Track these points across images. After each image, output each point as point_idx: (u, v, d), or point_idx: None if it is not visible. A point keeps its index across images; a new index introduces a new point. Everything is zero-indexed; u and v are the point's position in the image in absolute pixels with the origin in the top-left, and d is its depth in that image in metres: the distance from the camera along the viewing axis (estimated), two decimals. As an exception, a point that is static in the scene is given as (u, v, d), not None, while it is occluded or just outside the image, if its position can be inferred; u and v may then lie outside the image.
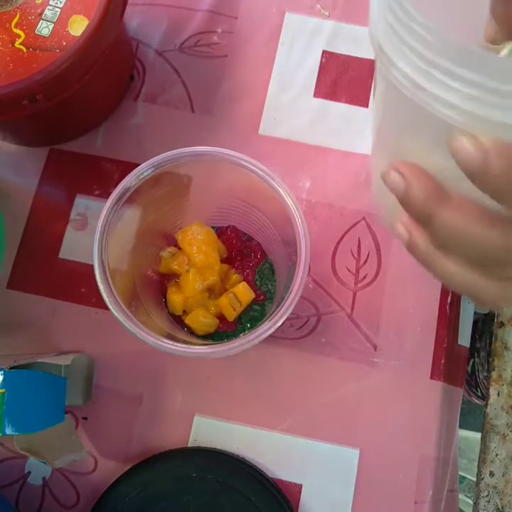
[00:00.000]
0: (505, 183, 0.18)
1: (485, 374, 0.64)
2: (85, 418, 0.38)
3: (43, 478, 0.37)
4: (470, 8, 0.23)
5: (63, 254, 0.41)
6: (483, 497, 0.37)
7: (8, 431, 0.30)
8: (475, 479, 0.38)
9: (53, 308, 0.40)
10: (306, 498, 0.37)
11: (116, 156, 0.42)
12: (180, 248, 0.37)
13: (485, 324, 0.56)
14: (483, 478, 0.38)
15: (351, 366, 0.38)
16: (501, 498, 0.37)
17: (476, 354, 0.58)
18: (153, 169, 0.32)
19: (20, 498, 0.37)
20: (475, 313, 0.42)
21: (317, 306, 0.39)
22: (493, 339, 0.40)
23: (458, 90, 0.17)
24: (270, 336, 0.29)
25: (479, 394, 0.68)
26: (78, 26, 0.34)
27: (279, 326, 0.29)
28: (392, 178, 0.21)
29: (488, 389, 0.65)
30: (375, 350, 0.38)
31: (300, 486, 0.37)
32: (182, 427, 0.38)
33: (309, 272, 0.34)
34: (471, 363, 0.60)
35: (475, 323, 0.42)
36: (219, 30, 0.45)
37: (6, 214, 0.40)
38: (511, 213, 0.19)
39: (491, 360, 0.40)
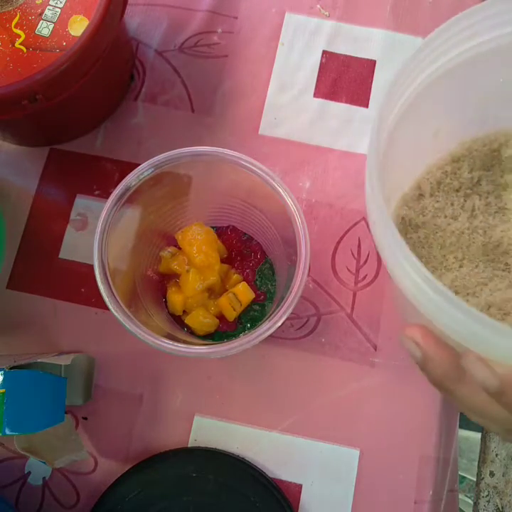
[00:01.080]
0: None
1: None
2: (85, 418, 0.38)
3: (43, 478, 0.37)
4: None
5: (63, 254, 0.41)
6: (483, 497, 0.37)
7: (8, 431, 0.30)
8: (475, 479, 0.38)
9: (53, 308, 0.40)
10: (306, 498, 0.37)
11: (116, 156, 0.42)
12: (180, 248, 0.37)
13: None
14: (483, 478, 0.38)
15: (351, 366, 0.38)
16: (501, 498, 0.37)
17: None
18: (153, 169, 0.32)
19: (20, 498, 0.37)
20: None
21: (317, 306, 0.39)
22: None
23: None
24: (270, 335, 0.29)
25: None
26: (78, 26, 0.34)
27: (279, 326, 0.29)
28: (409, 345, 0.21)
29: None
30: (375, 350, 0.38)
31: (300, 486, 0.37)
32: (182, 427, 0.38)
33: (309, 271, 0.34)
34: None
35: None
36: (219, 30, 0.45)
37: (6, 214, 0.40)
38: None
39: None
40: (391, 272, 0.21)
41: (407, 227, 0.28)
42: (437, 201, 0.28)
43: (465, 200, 0.28)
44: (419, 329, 0.21)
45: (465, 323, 0.18)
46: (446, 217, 0.28)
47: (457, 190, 0.28)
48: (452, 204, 0.28)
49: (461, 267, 0.27)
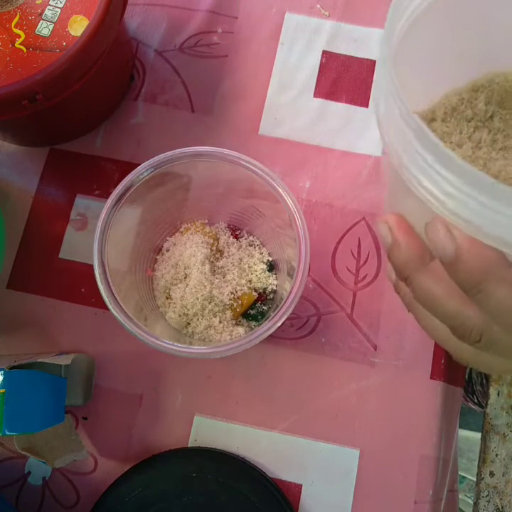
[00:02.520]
0: (471, 277, 0.19)
1: (479, 387, 0.64)
2: (85, 418, 0.38)
3: (43, 478, 0.37)
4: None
5: (63, 254, 0.41)
6: (483, 497, 0.37)
7: (8, 431, 0.30)
8: (475, 479, 0.38)
9: (53, 308, 0.40)
10: (306, 498, 0.37)
11: (116, 156, 0.42)
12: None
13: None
14: (483, 478, 0.38)
15: (351, 366, 0.38)
16: (501, 498, 0.37)
17: None
18: (153, 169, 0.32)
19: (20, 498, 0.37)
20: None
21: (317, 306, 0.39)
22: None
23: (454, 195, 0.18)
24: (270, 335, 0.29)
25: (476, 401, 0.68)
26: (78, 26, 0.34)
27: (279, 326, 0.29)
28: (381, 229, 0.23)
29: (484, 398, 0.65)
30: (375, 350, 0.38)
31: (300, 486, 0.37)
32: (182, 427, 0.38)
33: (309, 272, 0.34)
34: (468, 371, 0.60)
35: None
36: (219, 30, 0.45)
37: (6, 214, 0.40)
38: (477, 302, 0.20)
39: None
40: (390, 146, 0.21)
41: None
42: (447, 126, 0.28)
43: (474, 131, 0.28)
44: (395, 217, 0.22)
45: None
46: (452, 143, 0.28)
47: (469, 120, 0.28)
48: (461, 132, 0.28)
49: None
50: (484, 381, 0.62)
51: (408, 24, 0.23)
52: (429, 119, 0.29)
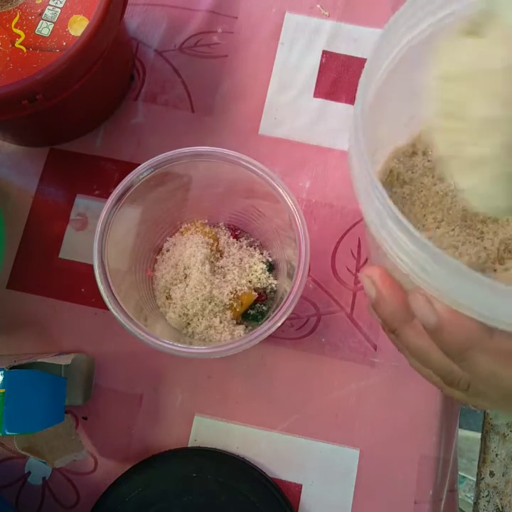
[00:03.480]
0: (454, 346, 0.20)
1: None
2: (85, 418, 0.38)
3: (43, 478, 0.37)
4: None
5: (63, 254, 0.41)
6: (483, 497, 0.37)
7: (8, 431, 0.30)
8: (475, 479, 0.38)
9: (53, 308, 0.40)
10: (306, 498, 0.37)
11: (116, 156, 0.42)
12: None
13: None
14: (483, 478, 0.38)
15: (351, 366, 0.38)
16: (501, 498, 0.37)
17: None
18: (153, 169, 0.32)
19: (20, 498, 0.37)
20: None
21: (317, 306, 0.39)
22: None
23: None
24: (270, 335, 0.29)
25: None
26: (78, 26, 0.34)
27: (279, 326, 0.29)
28: (365, 283, 0.23)
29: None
30: (375, 350, 0.38)
31: (300, 486, 0.37)
32: (182, 427, 0.38)
33: (309, 272, 0.34)
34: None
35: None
36: (219, 30, 0.45)
37: (6, 214, 0.40)
38: (462, 368, 0.21)
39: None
40: (366, 216, 0.22)
41: (394, 180, 0.28)
42: (428, 161, 0.28)
43: None
44: (379, 270, 0.23)
45: (420, 257, 0.18)
46: (433, 177, 0.28)
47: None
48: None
49: (438, 227, 0.27)
50: None
51: (386, 74, 0.24)
52: (410, 153, 0.29)
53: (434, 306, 0.19)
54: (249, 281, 0.37)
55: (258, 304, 0.37)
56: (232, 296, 0.36)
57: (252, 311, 0.37)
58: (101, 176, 0.42)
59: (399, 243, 0.19)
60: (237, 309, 0.36)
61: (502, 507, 0.37)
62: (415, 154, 0.29)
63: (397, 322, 0.23)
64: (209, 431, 0.38)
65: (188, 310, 0.35)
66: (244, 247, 0.38)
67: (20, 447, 0.33)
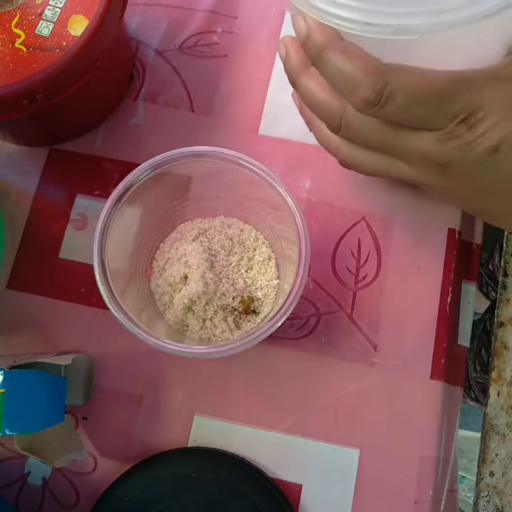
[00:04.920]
0: (315, 48, 0.27)
1: (474, 374, 0.64)
2: (85, 418, 0.38)
3: (43, 478, 0.37)
4: None
5: (63, 254, 0.41)
6: (483, 497, 0.37)
7: (8, 431, 0.30)
8: (475, 479, 0.38)
9: (53, 308, 0.40)
10: (306, 498, 0.37)
11: (116, 156, 0.42)
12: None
13: (474, 325, 0.56)
14: (483, 478, 0.38)
15: (351, 366, 0.38)
16: (501, 498, 0.37)
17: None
18: (153, 169, 0.32)
19: (20, 498, 0.37)
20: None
21: (317, 306, 0.39)
22: (492, 339, 0.40)
23: None
24: (270, 335, 0.29)
25: (473, 395, 0.68)
26: (78, 26, 0.34)
27: (279, 326, 0.29)
28: (280, 47, 0.32)
29: (481, 390, 0.65)
30: (375, 350, 0.38)
31: (300, 486, 0.37)
32: (182, 427, 0.38)
33: (309, 272, 0.34)
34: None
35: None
36: (219, 30, 0.45)
37: (6, 214, 0.40)
38: (321, 72, 0.28)
39: (490, 359, 0.40)
40: None
41: None
42: None
43: None
44: (290, 38, 0.31)
45: None
46: None
47: None
48: None
49: None
50: (482, 374, 0.62)
51: None
52: None
53: (306, 21, 0.27)
54: (250, 281, 0.37)
55: (258, 304, 0.37)
56: (232, 296, 0.36)
57: (252, 311, 0.37)
58: (101, 176, 0.42)
59: None
60: (238, 309, 0.36)
61: (502, 507, 0.37)
62: None
63: (296, 72, 0.30)
64: (209, 431, 0.38)
65: (188, 310, 0.35)
66: (244, 246, 0.38)
67: (20, 447, 0.33)
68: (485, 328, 0.62)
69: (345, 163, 0.32)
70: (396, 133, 0.27)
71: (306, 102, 0.31)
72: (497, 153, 0.25)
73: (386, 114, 0.26)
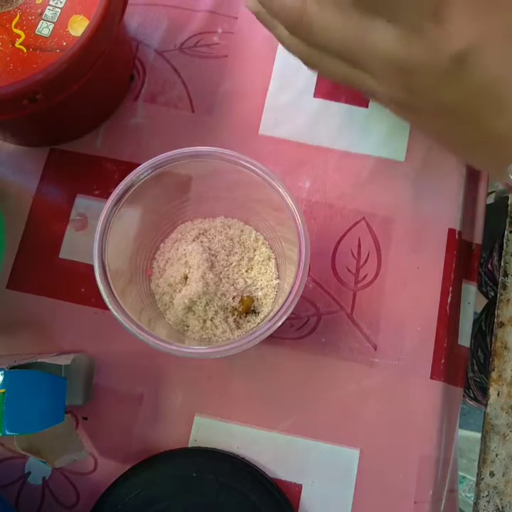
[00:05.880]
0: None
1: (471, 374, 0.64)
2: (85, 418, 0.38)
3: (43, 478, 0.37)
4: None
5: (63, 254, 0.41)
6: (483, 497, 0.37)
7: (8, 431, 0.30)
8: (475, 479, 0.38)
9: (53, 308, 0.40)
10: (306, 498, 0.37)
11: (116, 156, 0.42)
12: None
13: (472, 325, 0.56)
14: (483, 478, 0.38)
15: (351, 366, 0.38)
16: (501, 498, 0.37)
17: None
18: (153, 169, 0.32)
19: (20, 498, 0.37)
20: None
21: (317, 306, 0.39)
22: (492, 339, 0.40)
23: None
24: (270, 335, 0.29)
25: (472, 395, 0.68)
26: (78, 26, 0.34)
27: (279, 326, 0.29)
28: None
29: (479, 390, 0.65)
30: (375, 350, 0.38)
31: (300, 486, 0.37)
32: (182, 427, 0.38)
33: (309, 272, 0.34)
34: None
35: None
36: (219, 30, 0.45)
37: (6, 214, 0.40)
38: None
39: (490, 360, 0.40)
40: None
41: None
42: None
43: None
44: None
45: None
46: None
47: None
48: None
49: None
50: (479, 374, 0.62)
51: None
52: None
53: None
54: (250, 281, 0.37)
55: (258, 304, 0.37)
56: (232, 296, 0.36)
57: (252, 311, 0.37)
58: (101, 176, 0.42)
59: None
60: (238, 309, 0.36)
61: (502, 507, 0.37)
62: None
63: (268, 23, 0.30)
64: (209, 431, 0.38)
65: (189, 310, 0.35)
66: (245, 246, 0.38)
67: (20, 447, 0.33)
68: (480, 328, 0.62)
69: (311, 65, 0.30)
70: (359, 29, 0.25)
71: (263, 3, 0.29)
72: (464, 63, 0.23)
73: None
